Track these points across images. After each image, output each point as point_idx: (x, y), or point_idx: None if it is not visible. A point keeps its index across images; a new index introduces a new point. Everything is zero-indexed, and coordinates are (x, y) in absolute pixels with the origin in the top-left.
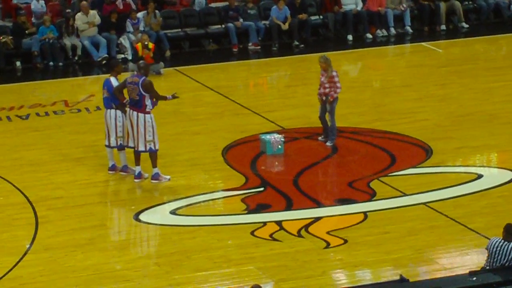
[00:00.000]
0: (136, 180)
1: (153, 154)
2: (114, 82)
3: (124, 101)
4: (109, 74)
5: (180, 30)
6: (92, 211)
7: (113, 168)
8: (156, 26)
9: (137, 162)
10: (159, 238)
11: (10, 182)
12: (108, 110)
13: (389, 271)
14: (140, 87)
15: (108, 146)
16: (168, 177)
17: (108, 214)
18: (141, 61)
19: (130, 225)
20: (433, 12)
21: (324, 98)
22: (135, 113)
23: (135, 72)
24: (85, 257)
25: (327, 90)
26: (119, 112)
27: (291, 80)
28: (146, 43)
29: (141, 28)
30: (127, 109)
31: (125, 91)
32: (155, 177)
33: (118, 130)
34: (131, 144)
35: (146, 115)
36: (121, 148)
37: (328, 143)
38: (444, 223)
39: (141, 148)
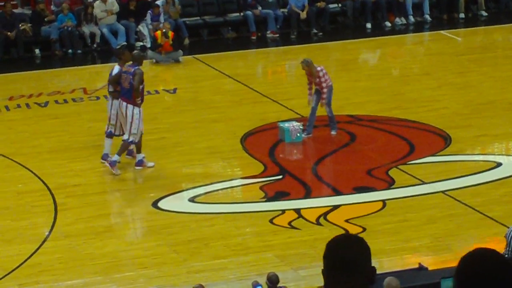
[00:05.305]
0: (137, 167)
1: (126, 145)
2: (115, 71)
3: (118, 89)
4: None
5: (199, 18)
6: (110, 199)
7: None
8: (175, 14)
9: (139, 150)
10: (177, 225)
11: (29, 169)
12: (110, 97)
13: (407, 259)
14: (131, 76)
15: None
16: (118, 171)
17: (126, 201)
18: (135, 51)
19: (148, 213)
20: (452, 0)
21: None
22: (124, 103)
23: (143, 61)
24: (104, 244)
25: (321, 85)
26: (116, 101)
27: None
28: (164, 30)
29: (162, 20)
30: (119, 99)
31: None
32: (112, 164)
33: (111, 118)
34: (118, 132)
35: (135, 107)
36: (109, 135)
37: (333, 132)
38: (462, 212)
39: (125, 137)
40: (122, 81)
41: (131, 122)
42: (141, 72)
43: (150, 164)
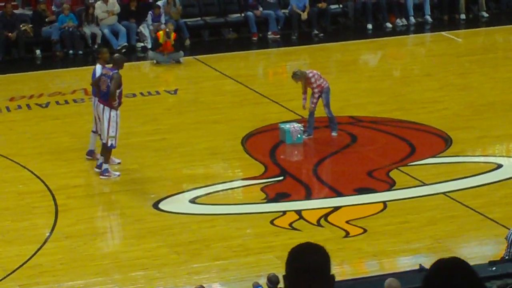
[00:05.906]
0: (96, 169)
1: (109, 150)
2: (98, 71)
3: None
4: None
5: (199, 18)
6: (111, 200)
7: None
8: (176, 15)
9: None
10: (178, 226)
11: (30, 170)
12: (93, 97)
13: (408, 260)
14: (109, 79)
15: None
16: (117, 173)
17: (127, 202)
18: (116, 55)
19: (149, 214)
20: (453, 1)
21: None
22: (101, 106)
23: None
24: (104, 245)
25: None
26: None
27: (311, 69)
28: (167, 30)
29: (163, 21)
30: (96, 101)
31: None
32: (105, 173)
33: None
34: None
35: (112, 110)
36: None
37: (333, 133)
38: (463, 213)
39: (103, 141)
40: (100, 83)
41: (108, 126)
42: (119, 76)
43: (117, 160)
